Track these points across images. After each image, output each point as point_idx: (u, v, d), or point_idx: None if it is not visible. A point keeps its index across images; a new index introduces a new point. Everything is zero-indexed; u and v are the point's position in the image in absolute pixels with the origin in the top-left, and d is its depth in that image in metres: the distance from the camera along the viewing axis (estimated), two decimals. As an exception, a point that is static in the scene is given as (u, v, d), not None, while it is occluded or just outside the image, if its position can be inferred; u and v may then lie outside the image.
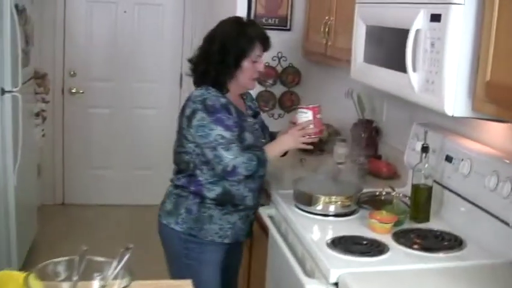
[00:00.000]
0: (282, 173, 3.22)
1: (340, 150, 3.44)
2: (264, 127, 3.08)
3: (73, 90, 5.96)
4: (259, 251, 3.23)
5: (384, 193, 2.88)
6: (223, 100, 2.76)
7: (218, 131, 2.67)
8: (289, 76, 4.31)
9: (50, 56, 5.81)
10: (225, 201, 2.82)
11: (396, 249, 2.30)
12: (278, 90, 4.31)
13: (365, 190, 2.87)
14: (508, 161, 2.28)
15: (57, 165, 6.09)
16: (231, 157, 2.66)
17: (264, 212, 2.87)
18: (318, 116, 2.83)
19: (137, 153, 6.15)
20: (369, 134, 3.54)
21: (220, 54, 2.78)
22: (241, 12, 4.07)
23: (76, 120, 6.04)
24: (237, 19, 2.96)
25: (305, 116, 2.82)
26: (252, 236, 3.22)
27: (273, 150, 2.81)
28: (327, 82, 4.24)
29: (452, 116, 2.07)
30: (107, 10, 5.93)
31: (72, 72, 5.93)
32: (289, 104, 4.28)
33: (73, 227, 5.56)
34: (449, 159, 2.62)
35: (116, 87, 6.07)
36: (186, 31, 5.88)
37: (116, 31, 5.98)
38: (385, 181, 3.22)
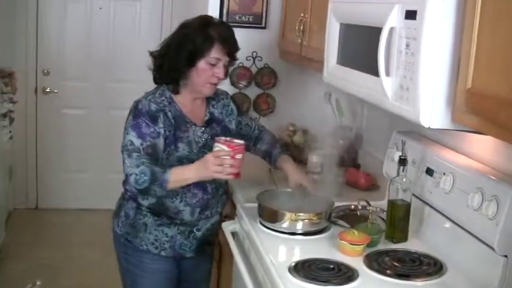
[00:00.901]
0: (249, 184, 2.96)
1: (315, 158, 3.17)
2: (248, 134, 2.91)
3: (47, 90, 5.75)
4: (227, 268, 2.98)
5: (360, 207, 2.62)
6: (154, 107, 2.59)
7: (131, 136, 2.54)
8: (265, 77, 4.05)
9: (22, 53, 5.60)
10: (160, 212, 2.66)
11: (367, 276, 2.04)
12: (253, 92, 4.04)
13: (339, 203, 2.63)
14: (494, 178, 2.03)
15: (31, 167, 5.88)
16: (128, 165, 2.50)
17: (227, 227, 2.63)
18: (238, 156, 2.45)
19: (114, 155, 5.84)
20: (347, 141, 3.29)
21: (175, 50, 2.60)
22: (214, 8, 3.84)
23: (50, 121, 5.83)
24: (205, 17, 2.73)
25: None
26: (221, 251, 2.98)
27: (179, 172, 2.51)
28: (305, 84, 3.98)
29: (429, 128, 1.81)
30: (82, 6, 5.72)
31: (45, 71, 5.71)
32: (265, 107, 4.02)
33: (46, 232, 5.41)
34: (430, 172, 2.38)
35: (92, 87, 5.87)
36: (165, 28, 5.61)
37: (91, 28, 5.77)
38: (363, 193, 2.99)
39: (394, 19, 1.91)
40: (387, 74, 1.95)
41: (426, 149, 2.46)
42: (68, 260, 4.86)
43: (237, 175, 2.47)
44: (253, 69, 4.03)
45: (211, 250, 2.92)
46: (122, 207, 2.75)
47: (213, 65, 2.59)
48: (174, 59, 2.60)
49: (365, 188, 3.04)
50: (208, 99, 2.76)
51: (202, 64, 2.58)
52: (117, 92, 5.82)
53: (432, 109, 1.78)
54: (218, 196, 2.75)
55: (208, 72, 2.59)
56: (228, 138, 2.51)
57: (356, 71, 2.26)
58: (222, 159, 2.42)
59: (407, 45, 1.84)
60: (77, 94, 5.84)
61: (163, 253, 2.71)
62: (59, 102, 5.79)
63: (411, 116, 1.84)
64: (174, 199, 2.63)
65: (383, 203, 2.68)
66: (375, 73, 2.01)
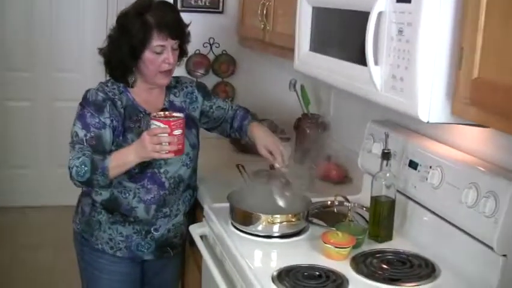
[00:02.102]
0: (216, 181, 2.76)
1: (283, 151, 2.98)
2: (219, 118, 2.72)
3: (-12, 82, 5.44)
4: (192, 276, 2.79)
5: (336, 203, 2.47)
6: (100, 96, 2.43)
7: (76, 127, 2.41)
8: (223, 65, 3.85)
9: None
10: (113, 209, 2.50)
11: (357, 282, 1.88)
12: (211, 81, 3.80)
13: (313, 199, 2.45)
14: (489, 172, 1.88)
15: (-30, 164, 5.57)
16: (70, 157, 2.36)
17: (195, 230, 2.42)
18: (177, 131, 2.25)
19: (61, 148, 5.55)
20: (315, 131, 3.12)
21: (116, 45, 2.43)
22: (166, -9, 3.58)
23: (-8, 114, 5.54)
24: (142, 2, 2.46)
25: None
26: (183, 254, 2.78)
27: (118, 157, 2.35)
28: (267, 72, 3.79)
29: (428, 122, 1.64)
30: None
31: (-15, 62, 5.39)
32: (223, 96, 3.79)
33: (-12, 234, 5.14)
34: (413, 165, 2.22)
35: (36, 77, 5.59)
36: (110, 14, 5.31)
37: (32, 16, 5.47)
38: (336, 186, 2.84)
39: (383, 2, 1.72)
40: (376, 62, 1.77)
41: (407, 140, 2.30)
42: (16, 264, 4.61)
43: (178, 152, 2.27)
44: (211, 57, 3.82)
45: (177, 254, 2.72)
46: (80, 203, 2.62)
47: (160, 53, 2.40)
48: (118, 55, 2.42)
49: (337, 181, 2.88)
50: (169, 88, 2.58)
51: (147, 55, 2.39)
52: (61, 82, 5.58)
53: (431, 102, 1.61)
54: (179, 192, 2.56)
55: (156, 61, 2.40)
56: (166, 113, 2.33)
57: (335, 59, 2.08)
58: (159, 138, 2.22)
59: (400, 31, 1.66)
60: (19, 86, 5.56)
61: (118, 253, 2.54)
62: (3, 95, 5.52)
63: (407, 110, 1.67)
64: (127, 194, 2.47)
65: (359, 197, 2.55)
66: (360, 61, 1.84)
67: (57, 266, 4.24)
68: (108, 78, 2.53)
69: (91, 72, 5.45)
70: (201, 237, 2.40)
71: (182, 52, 2.54)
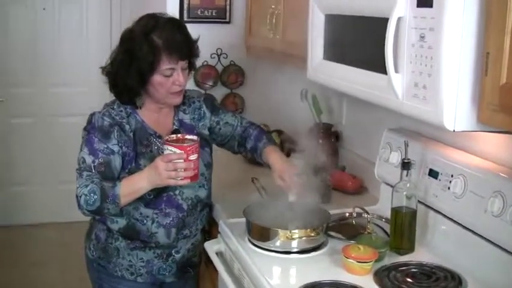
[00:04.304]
0: (230, 195, 2.69)
1: (296, 162, 2.91)
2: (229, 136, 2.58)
3: (-9, 99, 5.38)
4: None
5: (354, 215, 2.40)
6: (107, 121, 2.31)
7: (83, 153, 2.29)
8: (231, 76, 3.80)
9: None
10: (131, 236, 2.40)
11: (383, 299, 1.81)
12: (219, 92, 3.77)
13: (330, 211, 2.38)
14: (515, 179, 1.82)
15: (-26, 182, 5.53)
16: (77, 185, 2.23)
17: (211, 247, 2.35)
18: (193, 157, 2.15)
19: (65, 164, 5.51)
20: (327, 141, 3.05)
21: (122, 69, 2.28)
22: (173, 3, 3.54)
23: (-3, 132, 5.49)
24: (147, 20, 2.32)
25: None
26: (198, 275, 2.70)
27: (129, 184, 2.24)
28: (277, 82, 3.73)
29: (454, 131, 1.57)
30: (24, 7, 5.36)
31: (-13, 79, 5.34)
32: (232, 108, 3.74)
33: (-6, 253, 5.09)
34: (433, 174, 2.16)
35: (38, 93, 5.54)
36: (114, 28, 5.31)
37: (35, 31, 5.43)
38: (352, 197, 2.76)
39: (402, 7, 1.66)
40: (397, 70, 1.71)
41: (426, 148, 2.24)
42: (22, 283, 4.54)
43: (194, 178, 2.17)
44: (219, 68, 3.77)
45: (195, 273, 2.64)
46: (93, 229, 2.48)
47: (169, 76, 2.28)
48: (125, 80, 2.28)
49: (352, 191, 2.80)
50: (178, 105, 2.45)
51: (156, 78, 2.26)
52: (66, 97, 5.53)
53: (456, 109, 1.55)
54: (197, 212, 2.47)
55: (166, 84, 2.28)
56: (179, 136, 2.23)
57: (351, 67, 2.02)
58: (175, 164, 2.12)
59: (422, 37, 1.60)
60: (23, 102, 5.50)
61: (139, 279, 2.43)
62: (4, 111, 5.45)
63: (431, 118, 1.61)
64: (145, 221, 2.36)
65: (377, 208, 2.48)
66: (379, 69, 1.78)
67: (63, 284, 4.17)
68: (113, 98, 2.41)
69: (96, 87, 5.38)
70: (217, 253, 2.33)
71: (190, 66, 2.41)
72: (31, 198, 5.61)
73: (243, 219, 2.24)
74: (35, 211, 5.58)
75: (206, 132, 2.52)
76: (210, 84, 3.71)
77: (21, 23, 5.37)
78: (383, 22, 1.71)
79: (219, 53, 3.73)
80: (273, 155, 2.47)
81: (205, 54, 3.53)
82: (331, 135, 3.07)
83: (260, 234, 2.16)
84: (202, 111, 2.52)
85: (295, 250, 2.12)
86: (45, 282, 4.54)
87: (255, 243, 2.17)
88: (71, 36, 5.47)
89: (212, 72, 3.73)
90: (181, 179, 2.15)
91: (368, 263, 1.94)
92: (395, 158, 2.35)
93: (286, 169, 2.39)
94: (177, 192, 2.38)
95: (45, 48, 5.45)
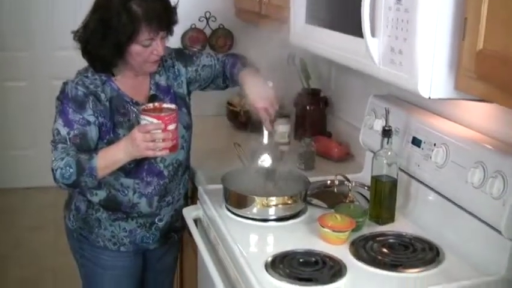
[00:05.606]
0: (212, 161, 2.64)
1: (282, 128, 2.86)
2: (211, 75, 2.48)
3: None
4: (190, 258, 2.69)
5: (336, 183, 2.35)
6: (81, 91, 2.19)
7: (57, 124, 2.18)
8: (220, 40, 3.70)
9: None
10: (113, 208, 2.34)
11: (356, 269, 1.76)
12: (208, 56, 3.68)
13: (313, 179, 2.33)
14: (497, 150, 1.76)
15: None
16: (52, 158, 2.15)
17: (189, 214, 2.30)
18: (171, 126, 2.07)
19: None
20: (316, 107, 3.00)
21: (96, 38, 2.16)
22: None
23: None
24: None
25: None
26: (181, 238, 2.67)
27: (106, 156, 2.15)
28: (265, 46, 3.65)
29: (429, 98, 1.51)
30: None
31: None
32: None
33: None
34: (416, 142, 2.10)
35: (33, 56, 5.53)
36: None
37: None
38: (337, 164, 2.72)
39: (380, -31, 1.59)
40: (373, 34, 1.64)
41: (410, 115, 2.18)
42: (17, 247, 4.55)
43: (173, 148, 2.10)
44: (207, 31, 3.68)
45: (179, 237, 2.60)
46: (73, 199, 2.41)
47: (148, 46, 2.17)
48: (97, 50, 2.17)
49: (338, 158, 2.76)
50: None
51: (134, 48, 2.16)
52: (60, 60, 5.37)
53: (432, 76, 1.49)
54: (178, 178, 2.42)
55: (143, 53, 2.18)
56: (156, 105, 2.15)
57: (331, 31, 1.95)
58: (152, 135, 2.04)
59: (398, 0, 1.54)
60: (18, 65, 5.47)
61: (122, 248, 2.40)
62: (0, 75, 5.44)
63: (407, 84, 1.55)
64: (126, 192, 2.31)
65: (361, 176, 2.43)
66: (357, 33, 1.71)
67: (58, 247, 4.13)
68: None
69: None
70: (195, 220, 2.29)
71: (168, 33, 2.28)
72: (28, 162, 5.59)
73: (222, 187, 2.19)
74: (30, 174, 5.56)
75: (183, 91, 2.43)
76: (198, 48, 3.63)
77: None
78: (360, -16, 1.64)
79: (207, 16, 3.63)
80: (246, 80, 2.36)
81: (193, 17, 3.47)
82: (319, 101, 3.02)
83: (237, 201, 2.12)
84: (175, 70, 2.41)
85: (272, 218, 2.08)
86: (40, 244, 4.55)
87: (232, 211, 2.13)
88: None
89: (200, 36, 3.65)
90: (159, 150, 2.07)
91: (343, 233, 1.90)
92: (379, 125, 2.28)
93: (259, 97, 2.28)
94: (158, 159, 2.32)
95: (39, 12, 5.39)
